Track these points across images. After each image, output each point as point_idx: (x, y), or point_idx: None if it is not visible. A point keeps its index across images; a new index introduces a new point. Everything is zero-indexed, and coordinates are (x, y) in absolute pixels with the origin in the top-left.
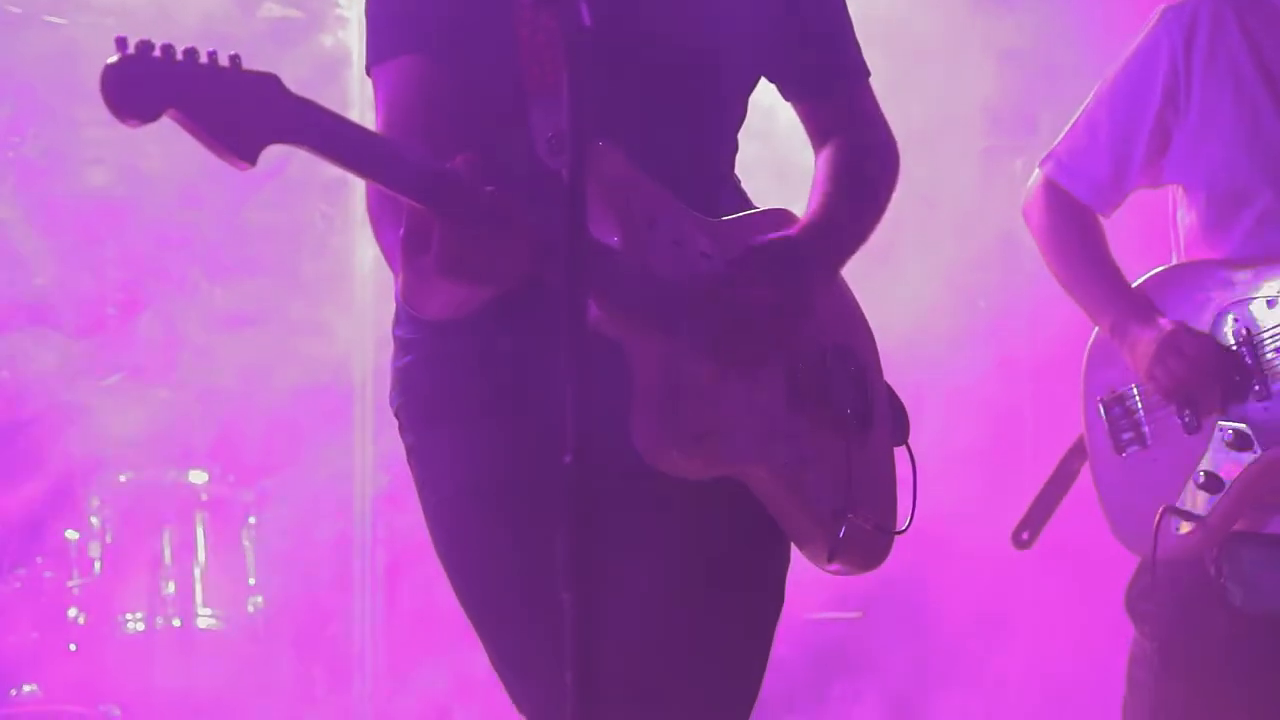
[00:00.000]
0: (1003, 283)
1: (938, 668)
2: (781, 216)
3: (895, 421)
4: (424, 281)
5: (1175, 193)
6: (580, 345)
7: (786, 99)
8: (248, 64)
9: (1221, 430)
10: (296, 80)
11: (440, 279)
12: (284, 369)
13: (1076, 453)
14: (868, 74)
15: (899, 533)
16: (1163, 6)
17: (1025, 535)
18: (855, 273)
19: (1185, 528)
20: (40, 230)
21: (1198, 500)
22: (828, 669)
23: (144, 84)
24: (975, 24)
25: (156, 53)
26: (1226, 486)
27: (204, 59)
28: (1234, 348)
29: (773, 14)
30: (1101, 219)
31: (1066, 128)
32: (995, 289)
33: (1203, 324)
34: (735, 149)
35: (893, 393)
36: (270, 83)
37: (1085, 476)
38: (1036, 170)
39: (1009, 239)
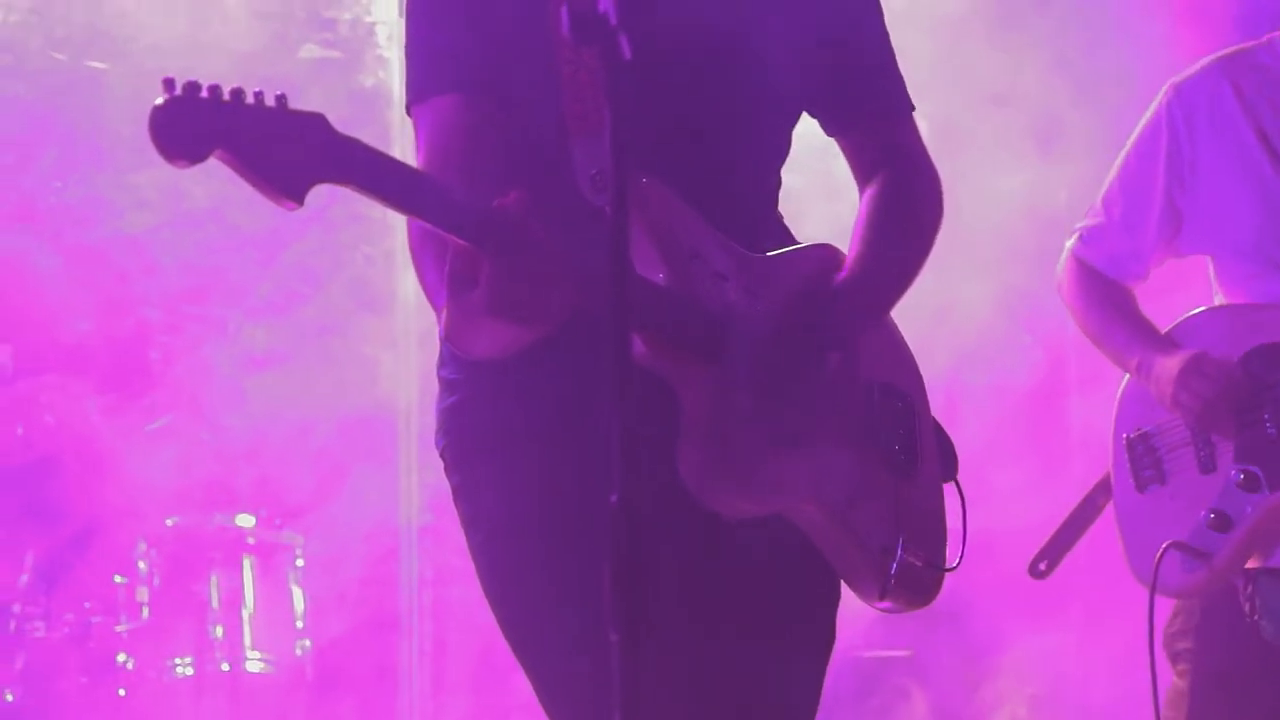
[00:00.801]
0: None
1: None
2: (826, 254)
3: (943, 458)
4: (469, 320)
5: (1209, 262)
6: (625, 382)
7: (829, 134)
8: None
9: (1234, 472)
10: (337, 120)
11: (487, 318)
12: (327, 409)
13: (1102, 488)
14: (912, 108)
15: (950, 569)
16: (1167, 83)
17: (1043, 566)
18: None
19: (1193, 566)
20: (81, 275)
21: (1207, 539)
22: (877, 707)
23: (191, 125)
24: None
25: (204, 93)
26: (1235, 526)
27: (250, 99)
28: (1256, 383)
29: (815, 48)
30: (1134, 287)
31: (1092, 204)
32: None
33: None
34: (779, 183)
35: (940, 429)
36: (317, 122)
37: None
38: (1066, 244)
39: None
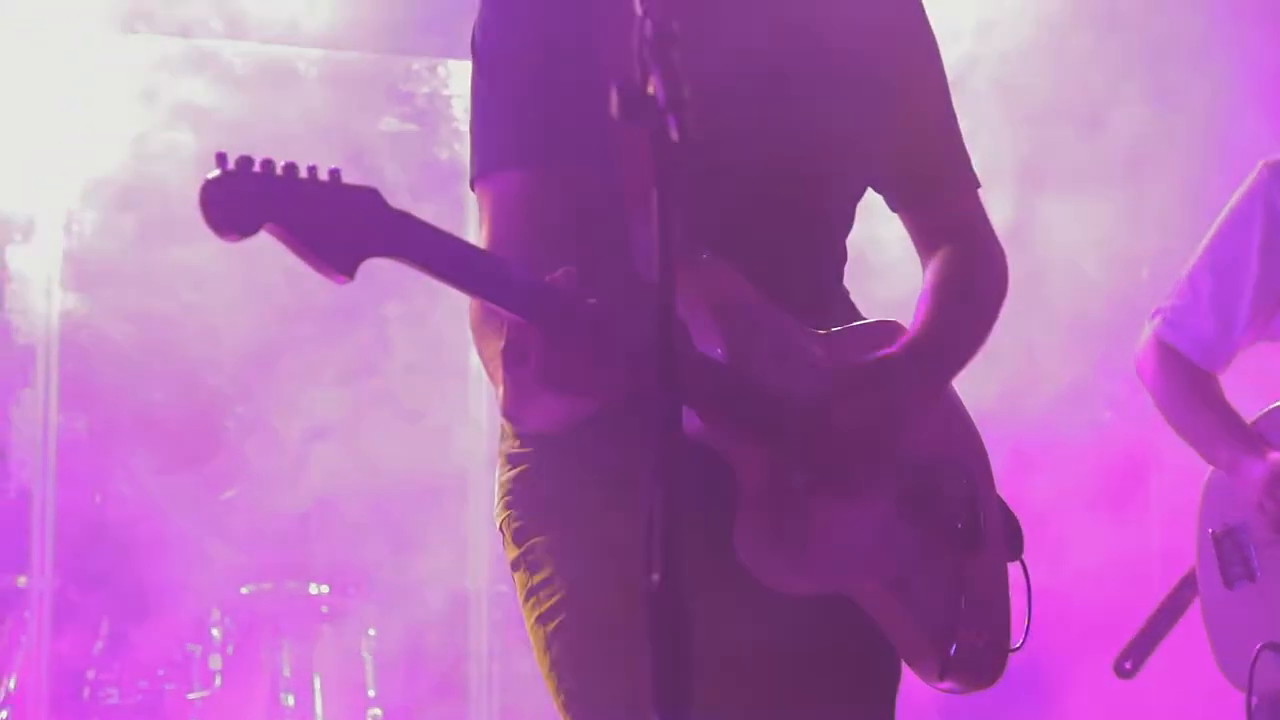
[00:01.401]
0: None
1: None
2: (889, 329)
3: (1009, 535)
4: (523, 393)
5: None
6: (670, 459)
7: (893, 209)
8: (365, 176)
9: None
10: (411, 192)
11: (539, 391)
12: (398, 479)
13: (1188, 584)
14: (977, 185)
15: (1014, 650)
16: (1261, 161)
17: (1129, 665)
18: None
19: None
20: (155, 345)
21: None
22: None
23: (243, 199)
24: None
25: (256, 168)
26: None
27: (304, 174)
28: None
29: (880, 124)
30: (1211, 374)
31: (1174, 284)
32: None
33: None
34: (844, 258)
35: (1005, 506)
36: (370, 196)
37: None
38: (1147, 325)
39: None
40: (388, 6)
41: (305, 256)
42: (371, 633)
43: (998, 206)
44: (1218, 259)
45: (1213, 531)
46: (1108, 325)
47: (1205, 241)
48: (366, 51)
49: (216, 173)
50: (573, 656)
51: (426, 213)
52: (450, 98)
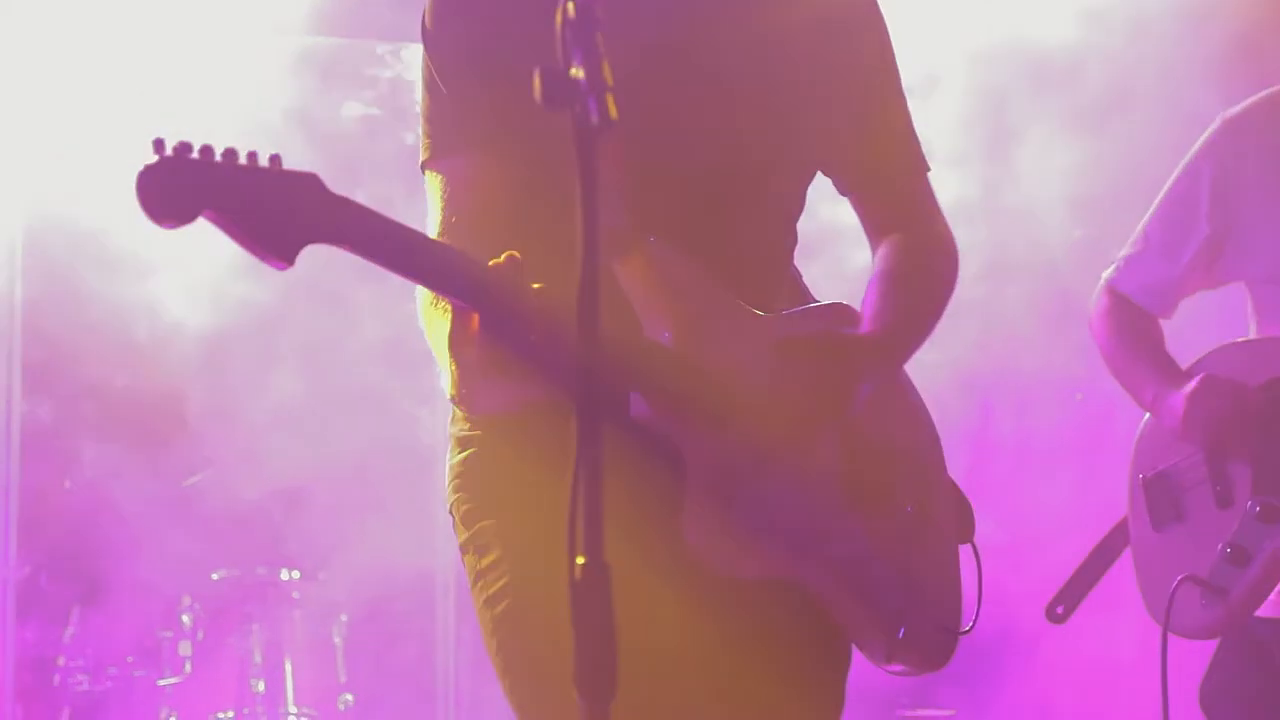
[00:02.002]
0: None
1: None
2: (840, 312)
3: (960, 519)
4: (469, 378)
5: (1245, 290)
6: (593, 444)
7: (842, 193)
8: (328, 162)
9: (1251, 503)
10: (377, 176)
11: (484, 376)
12: (367, 464)
13: (1119, 531)
14: (927, 169)
15: (963, 632)
16: (1220, 115)
17: (1060, 610)
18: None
19: (1211, 601)
20: (123, 331)
21: (1224, 574)
22: None
23: (179, 186)
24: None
25: (194, 154)
26: (1253, 561)
27: (244, 160)
28: (1276, 410)
29: (829, 108)
30: (1160, 320)
31: (1134, 234)
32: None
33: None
34: (794, 241)
35: (957, 489)
36: (310, 182)
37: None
38: (1101, 278)
39: None
40: None
41: (244, 243)
42: (343, 618)
43: None
44: (1168, 207)
45: (1142, 477)
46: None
47: (1161, 192)
48: (331, 36)
49: (153, 159)
50: (516, 641)
51: (393, 197)
52: (414, 82)
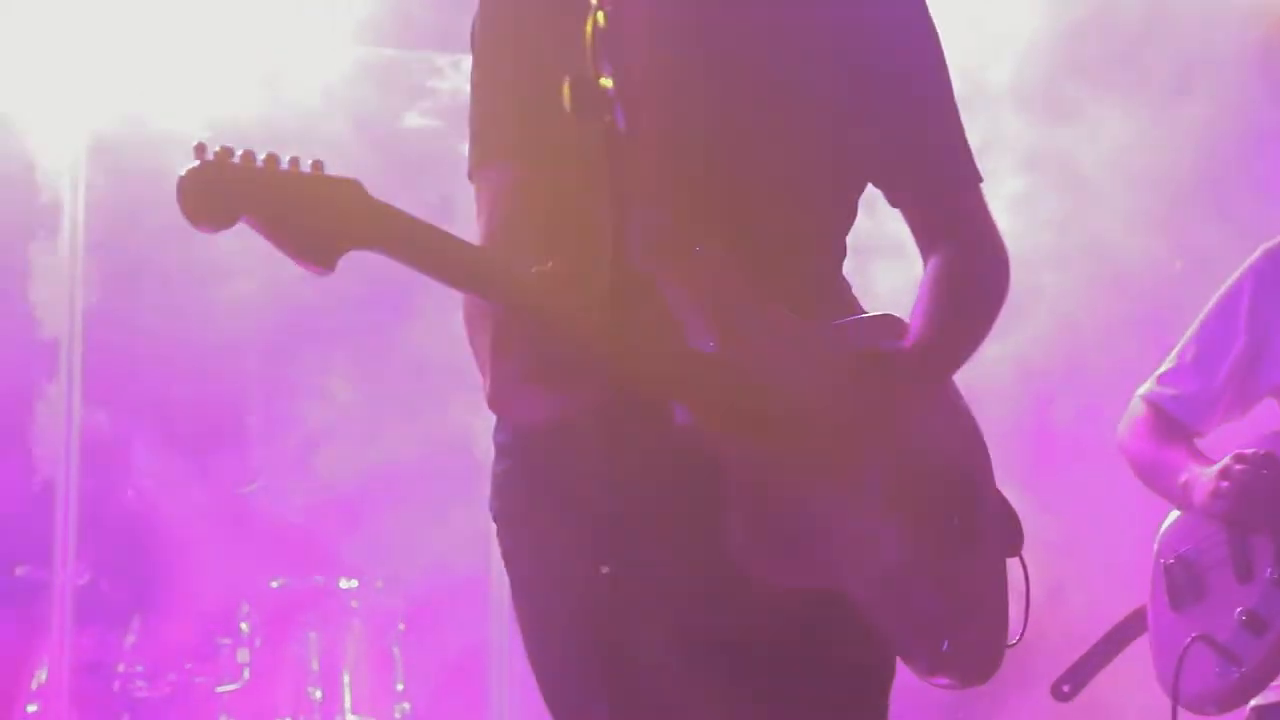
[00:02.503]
0: None
1: None
2: (889, 324)
3: (1007, 531)
4: (509, 387)
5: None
6: (616, 453)
7: (893, 204)
8: (387, 174)
9: (1270, 570)
10: (436, 187)
11: (525, 385)
12: (423, 474)
13: (1136, 618)
14: (979, 180)
15: (1010, 645)
16: (1260, 246)
17: (1066, 689)
18: None
19: (1226, 670)
20: (179, 341)
21: (1238, 640)
22: None
23: (219, 190)
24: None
25: (235, 159)
26: (1269, 628)
27: (285, 165)
28: None
29: (877, 117)
30: (1195, 438)
31: (1169, 355)
32: None
33: None
34: (844, 251)
35: (1005, 502)
36: (351, 188)
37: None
38: (1136, 397)
39: None
40: (410, 2)
41: (284, 248)
42: (401, 627)
43: None
44: (1205, 329)
45: (1165, 563)
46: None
47: (1197, 320)
48: (391, 47)
49: (195, 163)
50: (549, 652)
51: (452, 209)
52: None
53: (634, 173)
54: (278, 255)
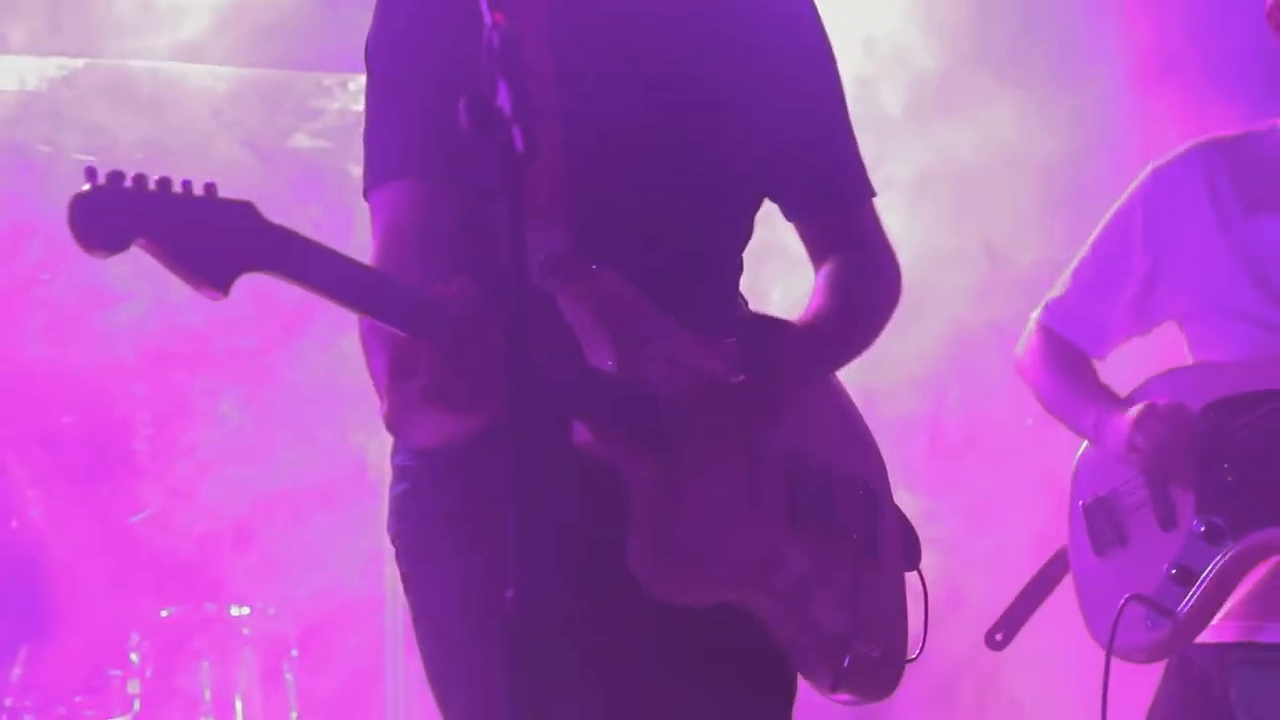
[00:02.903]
0: None
1: None
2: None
3: (906, 546)
4: (409, 409)
5: (1179, 329)
6: (522, 475)
7: (788, 218)
8: (275, 195)
9: (1195, 523)
10: (324, 207)
11: (426, 407)
12: (315, 498)
13: (1058, 560)
14: (872, 193)
15: (909, 661)
16: (1148, 166)
17: (999, 636)
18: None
19: (1157, 622)
20: (67, 368)
21: (1170, 594)
22: None
23: (113, 214)
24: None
25: (128, 183)
26: (1199, 580)
27: (178, 188)
28: (1216, 431)
29: (774, 133)
30: (1095, 360)
31: (1063, 276)
32: None
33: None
34: (739, 269)
35: (903, 517)
36: (245, 210)
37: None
38: (1031, 320)
39: None
40: (296, 22)
41: (179, 271)
42: (294, 653)
43: None
44: (1099, 250)
45: (1083, 503)
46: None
47: (1090, 239)
48: (275, 68)
49: (86, 187)
50: (452, 682)
51: (341, 230)
52: (362, 113)
53: (531, 192)
54: (164, 278)
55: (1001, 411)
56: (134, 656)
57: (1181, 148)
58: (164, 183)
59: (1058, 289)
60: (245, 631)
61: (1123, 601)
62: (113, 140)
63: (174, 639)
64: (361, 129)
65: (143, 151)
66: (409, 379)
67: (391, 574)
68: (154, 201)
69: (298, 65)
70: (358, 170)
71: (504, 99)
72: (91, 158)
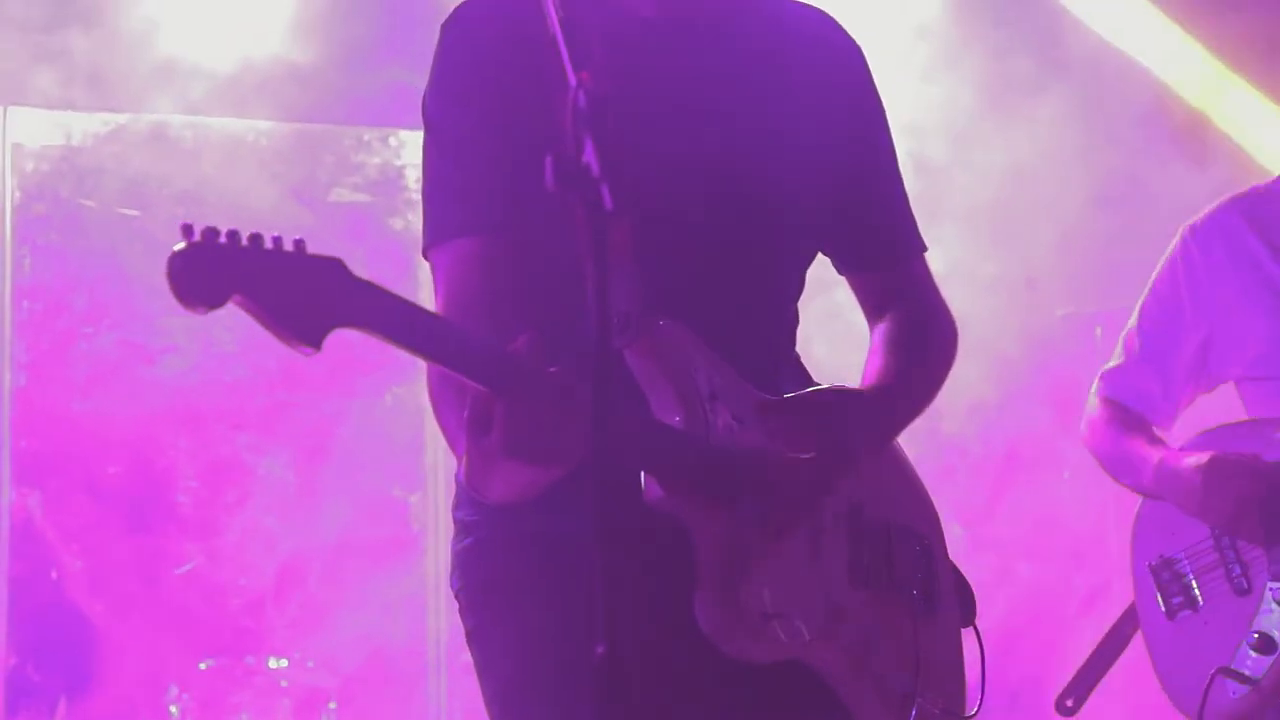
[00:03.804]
0: None
1: None
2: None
3: (962, 602)
4: (487, 464)
5: (1235, 389)
6: (610, 527)
7: (841, 272)
8: (317, 248)
9: (1273, 590)
10: (365, 262)
11: (504, 462)
12: (356, 550)
13: (1127, 619)
14: (924, 248)
15: (969, 717)
16: (1182, 226)
17: (1070, 702)
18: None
19: (1240, 691)
20: (111, 421)
21: (1252, 662)
22: None
23: (209, 271)
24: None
25: (222, 239)
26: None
27: (269, 244)
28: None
29: (829, 189)
30: (1159, 429)
31: (1116, 348)
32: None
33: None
34: (795, 322)
35: (959, 573)
36: (335, 267)
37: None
38: (1091, 395)
39: None
40: (338, 76)
41: (272, 328)
42: (333, 706)
43: None
44: (1147, 318)
45: (1150, 564)
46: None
47: (1136, 308)
48: (317, 122)
49: (182, 244)
50: None
51: (382, 283)
52: (403, 168)
53: (612, 249)
54: (208, 332)
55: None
56: (173, 709)
57: (1214, 204)
58: (255, 239)
59: (1113, 360)
60: (284, 684)
61: (1210, 675)
62: (155, 194)
63: (213, 691)
64: (402, 183)
65: (184, 206)
66: (487, 433)
67: (434, 627)
68: (248, 257)
69: (339, 119)
70: (399, 224)
71: (590, 157)
72: (135, 212)
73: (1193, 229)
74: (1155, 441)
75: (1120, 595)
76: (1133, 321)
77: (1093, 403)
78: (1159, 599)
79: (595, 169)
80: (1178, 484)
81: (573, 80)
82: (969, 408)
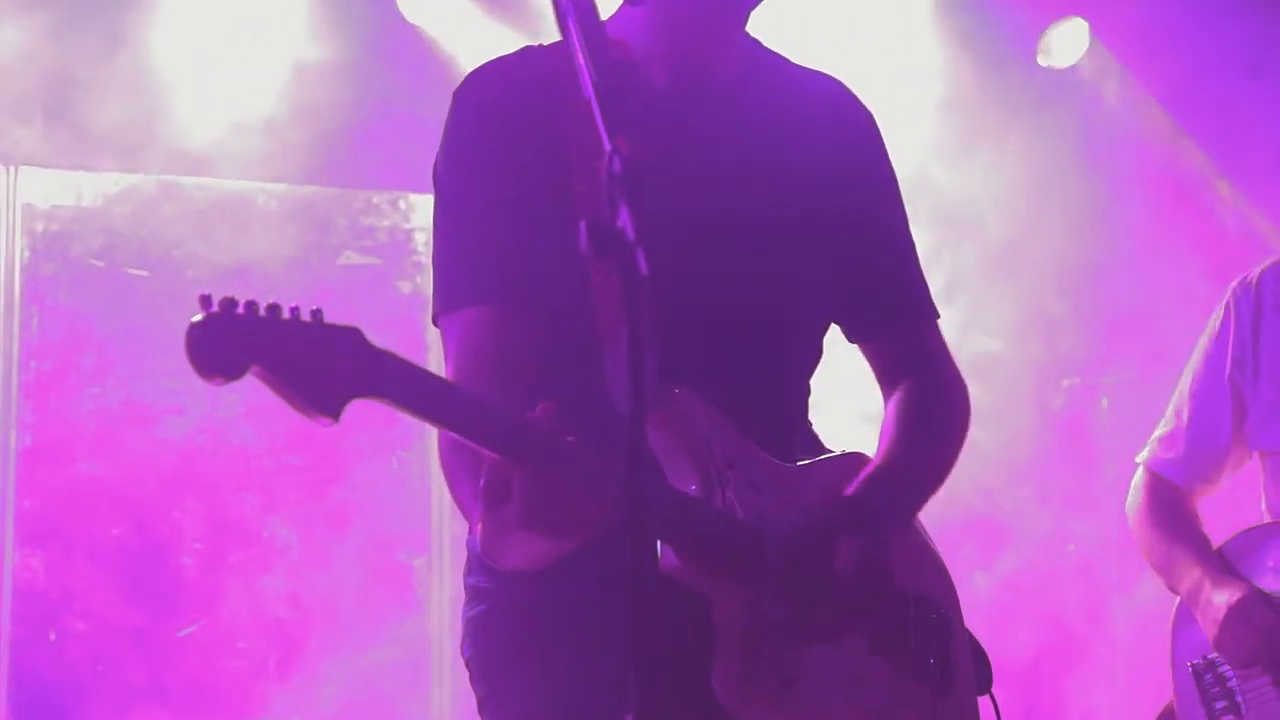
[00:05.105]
0: None
1: None
2: (856, 462)
3: (978, 669)
4: (503, 534)
5: (1259, 460)
6: (642, 592)
7: (852, 340)
8: (326, 311)
9: None
10: (374, 326)
11: (520, 531)
12: (361, 615)
13: (1166, 717)
14: (936, 315)
15: None
16: (1232, 283)
17: None
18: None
19: None
20: (116, 481)
21: None
22: None
23: (228, 342)
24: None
25: (240, 309)
26: None
27: (286, 314)
28: None
29: (842, 258)
30: (1196, 499)
31: (1164, 417)
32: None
33: None
34: (808, 392)
35: (975, 640)
36: (353, 336)
37: None
38: (1139, 465)
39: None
40: (348, 140)
41: (290, 399)
42: None
43: None
44: (1196, 380)
45: (1192, 665)
46: None
47: (1187, 368)
48: (327, 185)
49: (200, 315)
50: None
51: (390, 347)
52: (412, 231)
53: (611, 317)
54: (214, 394)
55: None
56: None
57: (1256, 269)
58: (273, 309)
59: (1162, 428)
60: None
61: None
62: (164, 255)
63: None
64: (411, 246)
65: (194, 267)
66: (504, 503)
67: (437, 693)
68: (266, 328)
69: (349, 182)
70: (407, 287)
71: (625, 222)
72: (144, 272)
73: (1243, 285)
74: (1191, 553)
75: (1124, 659)
76: (1183, 385)
77: (1139, 476)
78: (1201, 702)
79: (630, 234)
80: (1203, 618)
81: (608, 145)
82: (971, 478)
